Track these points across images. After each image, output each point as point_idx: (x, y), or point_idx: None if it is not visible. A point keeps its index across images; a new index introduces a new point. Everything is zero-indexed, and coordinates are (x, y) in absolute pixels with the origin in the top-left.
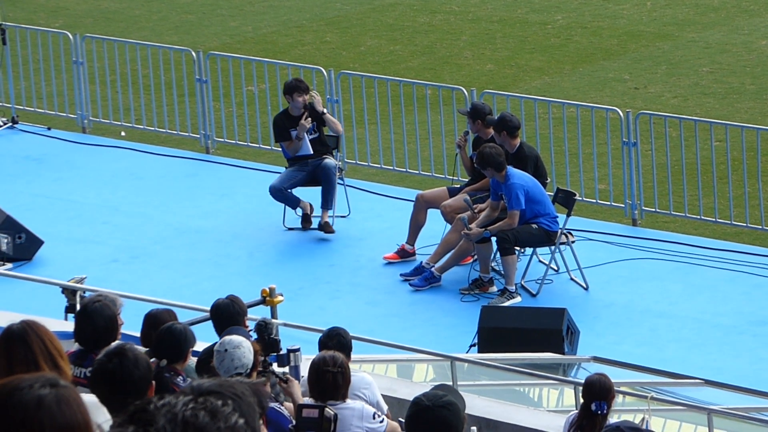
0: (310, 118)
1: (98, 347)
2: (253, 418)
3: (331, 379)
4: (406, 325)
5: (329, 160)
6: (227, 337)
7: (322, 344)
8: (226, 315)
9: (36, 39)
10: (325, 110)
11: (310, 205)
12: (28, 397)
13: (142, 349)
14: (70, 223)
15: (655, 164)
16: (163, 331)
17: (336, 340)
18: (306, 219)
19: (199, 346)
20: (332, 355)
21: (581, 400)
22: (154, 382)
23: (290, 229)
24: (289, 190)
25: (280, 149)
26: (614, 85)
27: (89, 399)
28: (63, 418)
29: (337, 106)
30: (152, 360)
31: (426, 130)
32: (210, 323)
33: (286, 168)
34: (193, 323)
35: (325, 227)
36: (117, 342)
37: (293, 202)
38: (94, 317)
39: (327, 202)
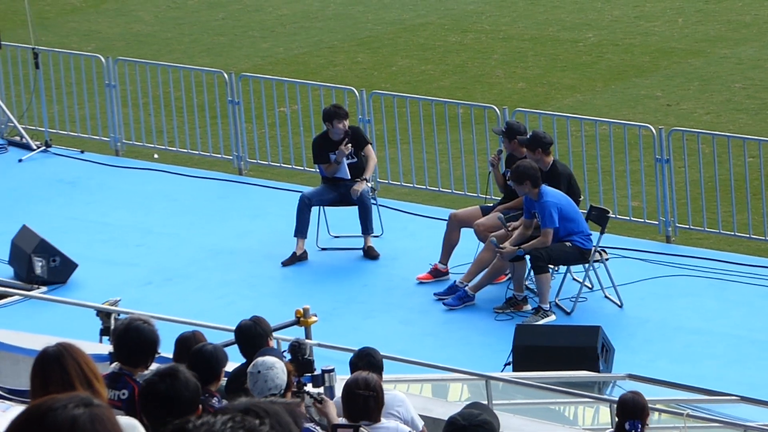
0: (350, 144)
1: (130, 364)
2: None
3: (362, 402)
4: (440, 345)
5: (362, 186)
6: (260, 359)
7: (353, 365)
8: (249, 336)
9: (69, 63)
10: (367, 177)
11: (305, 250)
12: (62, 417)
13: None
14: (104, 245)
15: (688, 181)
16: (194, 353)
17: (366, 360)
18: (292, 257)
19: (230, 366)
20: (365, 377)
21: (616, 419)
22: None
23: (323, 249)
24: (310, 212)
25: (314, 170)
26: (646, 102)
27: (125, 421)
28: None
29: (369, 126)
30: None
31: (458, 149)
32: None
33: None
34: (223, 346)
35: (369, 252)
36: (166, 365)
37: (301, 227)
38: (133, 333)
39: (366, 228)
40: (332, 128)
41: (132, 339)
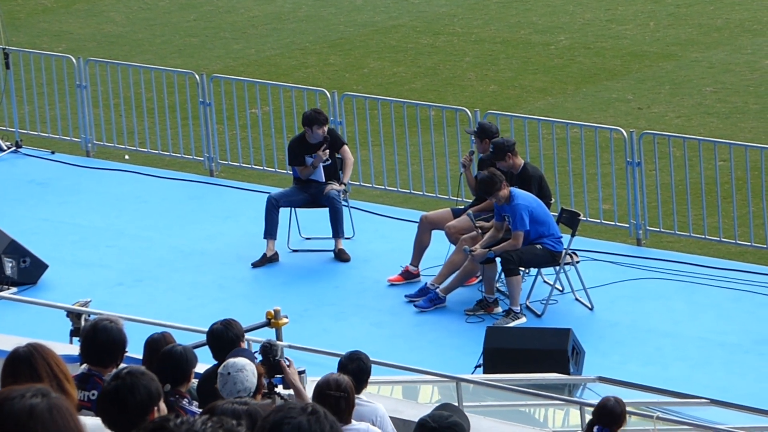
0: (328, 150)
1: (99, 365)
2: None
3: (333, 403)
4: (411, 346)
5: (332, 189)
6: (230, 360)
7: (342, 366)
8: (221, 341)
9: (39, 63)
10: (343, 180)
11: (275, 252)
12: (19, 407)
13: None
14: (74, 246)
15: (659, 184)
16: (164, 354)
17: (356, 364)
18: (263, 259)
19: (200, 367)
20: (336, 378)
21: (589, 417)
22: (162, 406)
23: (294, 251)
24: (278, 213)
25: (285, 172)
26: (618, 105)
27: (93, 422)
28: (56, 428)
29: (341, 128)
30: None
31: (430, 151)
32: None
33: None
34: (192, 347)
35: (340, 255)
36: (127, 365)
37: (270, 228)
38: (101, 334)
39: (337, 231)
40: (312, 133)
41: (99, 339)
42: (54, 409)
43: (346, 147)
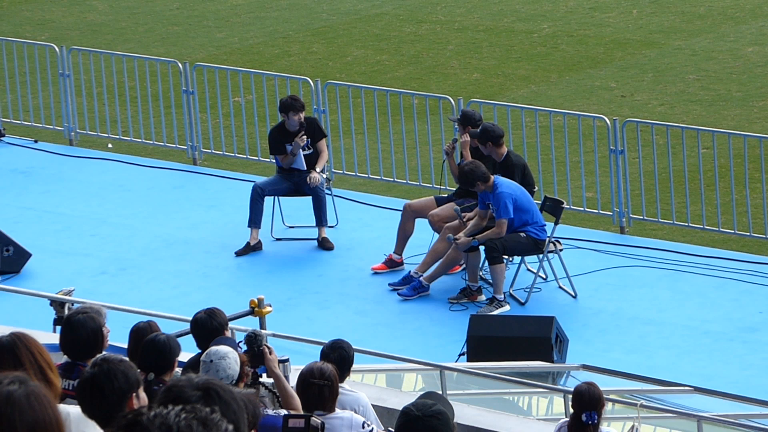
0: (305, 136)
1: (81, 358)
2: (241, 422)
3: (317, 392)
4: (394, 335)
5: (315, 179)
6: (213, 348)
7: (324, 355)
8: (205, 329)
9: (22, 52)
10: (317, 171)
11: (259, 240)
12: None
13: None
14: (58, 235)
15: (642, 172)
16: (147, 343)
17: (338, 353)
18: (246, 247)
19: (184, 356)
20: (320, 366)
21: (571, 410)
22: (142, 394)
23: (278, 239)
24: (263, 202)
25: (268, 160)
26: (601, 93)
27: (78, 410)
28: (33, 414)
29: (324, 117)
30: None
31: (413, 139)
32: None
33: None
34: (176, 336)
35: (323, 243)
36: (102, 354)
37: (255, 217)
38: (78, 329)
39: (321, 220)
40: (288, 120)
41: (76, 334)
42: (32, 396)
43: (324, 141)
